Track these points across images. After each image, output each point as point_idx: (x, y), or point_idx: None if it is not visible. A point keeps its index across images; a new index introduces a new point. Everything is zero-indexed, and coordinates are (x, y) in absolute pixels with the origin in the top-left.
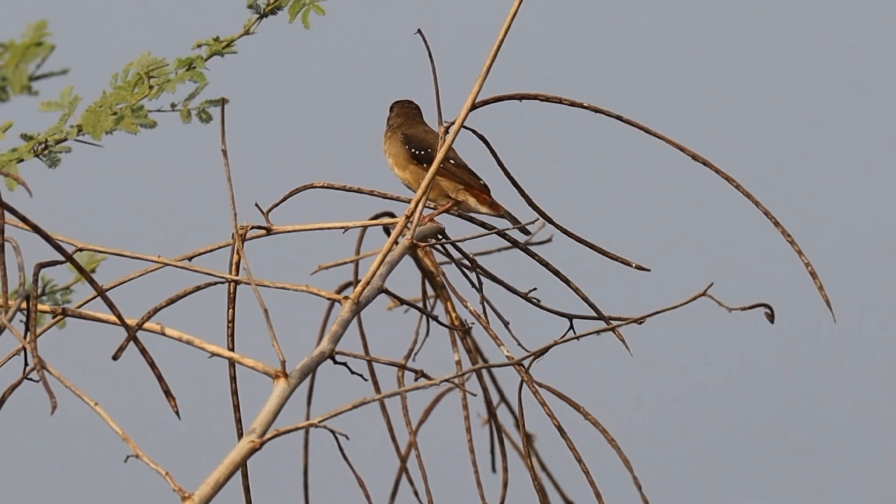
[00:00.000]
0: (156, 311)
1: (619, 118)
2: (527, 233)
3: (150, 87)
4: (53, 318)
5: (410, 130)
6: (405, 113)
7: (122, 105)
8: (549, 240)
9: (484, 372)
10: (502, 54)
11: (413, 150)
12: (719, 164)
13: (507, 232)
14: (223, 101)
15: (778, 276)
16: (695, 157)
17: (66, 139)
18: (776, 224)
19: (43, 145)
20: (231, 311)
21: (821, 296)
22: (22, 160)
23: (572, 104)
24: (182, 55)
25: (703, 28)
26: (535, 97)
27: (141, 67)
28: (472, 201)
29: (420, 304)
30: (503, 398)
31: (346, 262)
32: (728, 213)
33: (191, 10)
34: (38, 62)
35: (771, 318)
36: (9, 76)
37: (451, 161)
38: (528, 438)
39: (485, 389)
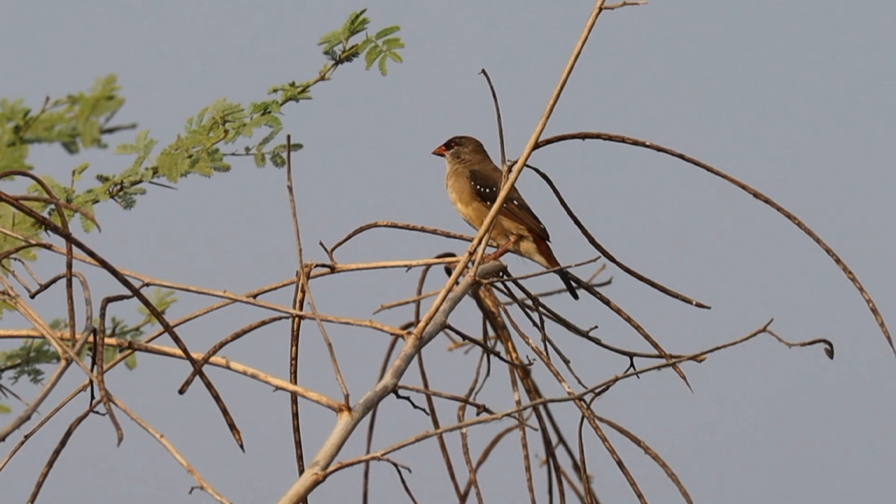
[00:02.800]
0: (221, 345)
1: (681, 157)
2: (575, 295)
3: (226, 132)
4: (120, 352)
5: (478, 167)
6: (478, 150)
7: (197, 148)
8: (609, 282)
9: (542, 412)
10: (565, 93)
11: (478, 187)
12: (779, 201)
13: (568, 270)
14: (289, 139)
15: (838, 312)
16: (756, 195)
17: (141, 181)
18: (838, 261)
19: (118, 187)
20: (294, 347)
21: (882, 332)
22: (97, 201)
23: (635, 143)
24: (254, 98)
25: (764, 66)
26: (597, 136)
27: (216, 112)
28: (531, 246)
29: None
30: (561, 438)
31: (407, 302)
32: (789, 249)
33: (262, 54)
34: (107, 115)
35: (831, 353)
36: (79, 128)
37: (515, 202)
38: (586, 477)
39: (543, 429)
